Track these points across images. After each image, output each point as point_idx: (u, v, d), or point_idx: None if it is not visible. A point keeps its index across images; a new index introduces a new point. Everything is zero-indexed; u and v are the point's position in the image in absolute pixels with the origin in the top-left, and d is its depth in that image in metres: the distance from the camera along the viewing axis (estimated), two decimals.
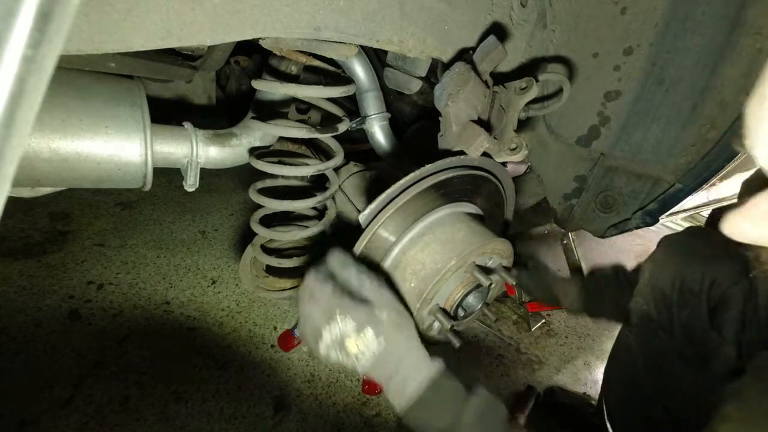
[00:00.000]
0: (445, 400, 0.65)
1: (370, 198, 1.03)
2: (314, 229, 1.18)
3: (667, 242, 1.04)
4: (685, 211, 1.32)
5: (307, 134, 0.99)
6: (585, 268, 2.00)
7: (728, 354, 0.83)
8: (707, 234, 1.01)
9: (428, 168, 0.80)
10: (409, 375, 0.65)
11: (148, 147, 0.86)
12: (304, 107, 1.27)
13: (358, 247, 0.79)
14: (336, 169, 1.27)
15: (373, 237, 0.79)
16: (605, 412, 1.18)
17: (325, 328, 0.65)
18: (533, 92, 0.85)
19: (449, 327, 0.80)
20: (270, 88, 0.98)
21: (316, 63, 1.06)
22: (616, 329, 1.17)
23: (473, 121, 0.88)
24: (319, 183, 1.31)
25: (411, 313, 0.78)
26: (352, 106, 1.45)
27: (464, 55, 0.95)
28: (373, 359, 0.65)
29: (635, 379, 1.05)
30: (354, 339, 0.64)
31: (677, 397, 0.96)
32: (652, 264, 1.02)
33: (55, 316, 1.43)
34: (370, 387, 1.47)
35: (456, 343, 0.83)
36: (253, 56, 1.50)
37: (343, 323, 0.64)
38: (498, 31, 0.96)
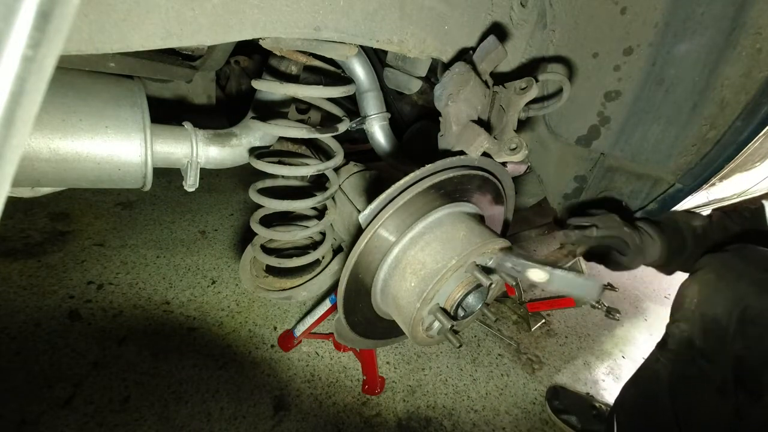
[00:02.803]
0: None
1: (370, 198, 1.03)
2: (314, 229, 1.18)
3: (720, 264, 0.94)
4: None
5: (307, 134, 0.99)
6: (585, 267, 2.00)
7: None
8: (763, 254, 0.93)
9: (428, 168, 0.80)
10: None
11: (148, 147, 0.86)
12: (304, 107, 1.27)
13: (359, 247, 0.79)
14: (336, 169, 1.27)
15: (374, 237, 0.79)
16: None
17: None
18: (533, 92, 0.85)
19: (449, 327, 0.80)
20: (270, 88, 0.98)
21: (316, 63, 1.05)
22: (616, 330, 1.16)
23: (473, 121, 0.88)
24: (319, 183, 1.31)
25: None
26: (352, 106, 1.45)
27: (464, 55, 0.95)
28: None
29: (657, 404, 1.02)
30: None
31: (705, 426, 0.92)
32: (702, 287, 0.95)
33: (55, 316, 1.43)
34: (370, 387, 1.47)
35: (456, 343, 0.83)
36: (253, 56, 1.50)
37: None
38: (498, 31, 0.96)
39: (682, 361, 0.96)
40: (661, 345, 1.04)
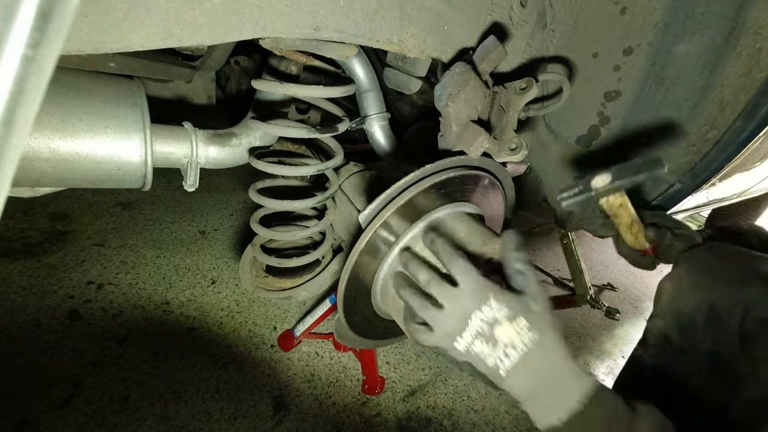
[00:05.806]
0: (610, 421, 0.57)
1: (370, 198, 1.03)
2: (314, 229, 1.18)
3: (690, 260, 0.94)
4: (685, 211, 1.32)
5: (307, 134, 0.99)
6: (585, 268, 1.99)
7: (759, 392, 0.77)
8: (733, 251, 0.92)
9: (428, 168, 0.80)
10: (565, 386, 0.57)
11: (148, 147, 0.86)
12: (304, 107, 1.27)
13: (359, 247, 0.79)
14: (336, 169, 1.27)
15: (374, 237, 0.79)
16: None
17: (475, 313, 0.58)
18: (533, 92, 0.85)
19: None
20: (270, 88, 0.98)
21: (316, 63, 1.06)
22: (616, 330, 1.16)
23: (473, 121, 0.88)
24: (319, 183, 1.31)
25: None
26: (352, 106, 1.45)
27: (464, 55, 0.95)
28: (522, 358, 0.57)
29: (646, 398, 1.03)
30: (507, 326, 0.57)
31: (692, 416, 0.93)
32: (674, 284, 0.95)
33: (55, 316, 1.43)
34: (370, 387, 1.47)
35: None
36: (253, 56, 1.50)
37: (498, 307, 0.57)
38: (498, 31, 0.96)
39: (662, 356, 0.97)
40: (642, 341, 1.05)
